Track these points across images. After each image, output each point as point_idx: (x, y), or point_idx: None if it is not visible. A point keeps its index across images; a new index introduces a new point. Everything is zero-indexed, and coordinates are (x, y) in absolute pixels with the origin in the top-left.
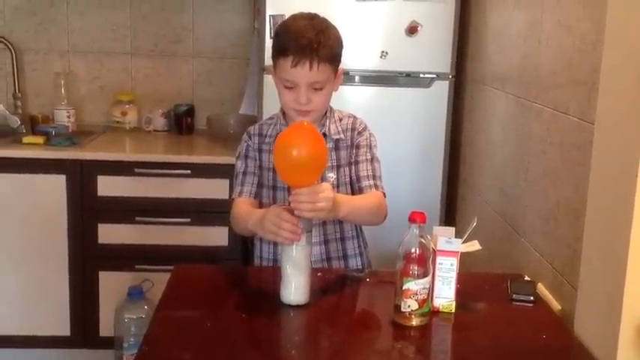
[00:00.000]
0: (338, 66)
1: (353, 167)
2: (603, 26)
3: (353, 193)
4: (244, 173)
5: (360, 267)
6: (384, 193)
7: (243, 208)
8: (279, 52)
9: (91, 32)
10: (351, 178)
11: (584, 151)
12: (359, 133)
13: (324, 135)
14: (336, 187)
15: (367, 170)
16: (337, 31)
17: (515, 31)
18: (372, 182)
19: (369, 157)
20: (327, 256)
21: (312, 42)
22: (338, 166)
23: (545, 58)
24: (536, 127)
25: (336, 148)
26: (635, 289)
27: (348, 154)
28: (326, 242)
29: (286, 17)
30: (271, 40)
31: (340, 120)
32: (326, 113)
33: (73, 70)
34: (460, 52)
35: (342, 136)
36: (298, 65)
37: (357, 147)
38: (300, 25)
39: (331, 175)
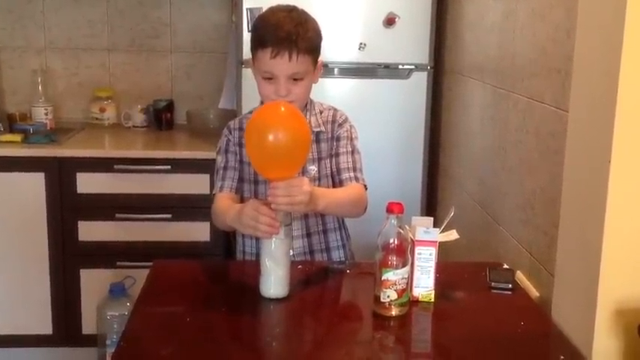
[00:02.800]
0: (317, 58)
1: (334, 159)
2: (576, 13)
3: (334, 185)
4: (225, 168)
5: (343, 259)
6: (365, 185)
7: (224, 203)
8: (258, 44)
9: (68, 28)
10: (331, 170)
11: (558, 139)
12: (339, 125)
13: None
14: (317, 179)
15: (347, 162)
16: (316, 23)
17: (491, 21)
18: (352, 174)
19: (349, 149)
20: (309, 249)
21: (291, 33)
22: (319, 159)
23: (521, 48)
24: (513, 116)
25: (317, 141)
26: (610, 275)
27: (329, 146)
28: (308, 235)
29: (264, 10)
30: (249, 34)
31: (321, 112)
32: (306, 105)
33: (51, 67)
34: (438, 43)
35: (322, 128)
36: (277, 56)
37: (338, 139)
38: (279, 17)
39: (312, 168)
